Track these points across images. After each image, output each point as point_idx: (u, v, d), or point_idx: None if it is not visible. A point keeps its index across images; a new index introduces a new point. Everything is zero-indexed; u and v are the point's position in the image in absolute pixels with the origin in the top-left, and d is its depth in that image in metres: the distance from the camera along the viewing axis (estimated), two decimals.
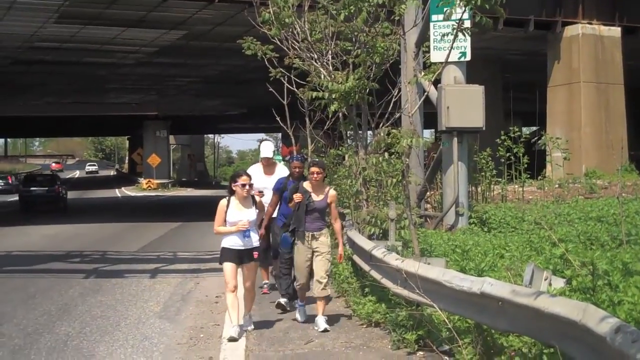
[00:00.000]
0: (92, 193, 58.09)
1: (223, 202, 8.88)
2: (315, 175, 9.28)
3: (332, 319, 9.31)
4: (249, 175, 9.00)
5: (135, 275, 14.15)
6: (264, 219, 10.61)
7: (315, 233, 9.29)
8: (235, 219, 8.74)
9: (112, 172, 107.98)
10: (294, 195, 9.29)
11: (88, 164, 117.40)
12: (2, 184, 64.41)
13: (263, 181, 11.23)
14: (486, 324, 6.58)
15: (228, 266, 8.79)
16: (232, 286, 8.78)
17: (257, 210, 9.09)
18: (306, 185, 9.41)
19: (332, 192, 9.46)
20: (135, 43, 31.76)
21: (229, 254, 8.81)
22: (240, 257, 8.82)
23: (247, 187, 8.82)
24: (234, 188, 8.85)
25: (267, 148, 11.78)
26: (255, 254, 8.90)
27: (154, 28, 28.91)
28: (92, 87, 46.74)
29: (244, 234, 8.74)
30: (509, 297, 5.97)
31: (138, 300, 11.63)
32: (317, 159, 10.48)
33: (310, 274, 9.38)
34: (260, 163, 11.87)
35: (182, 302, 11.46)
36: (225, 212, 8.79)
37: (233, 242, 8.81)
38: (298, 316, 9.67)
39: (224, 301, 10.80)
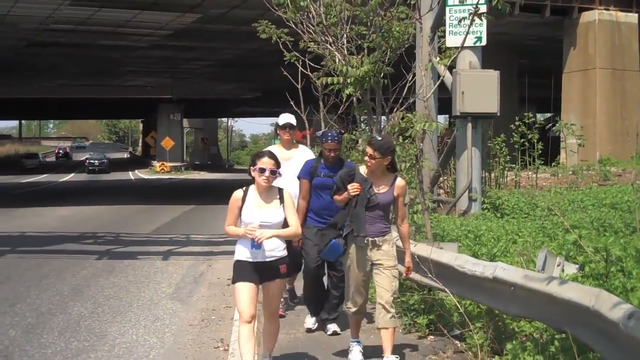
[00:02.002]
0: (106, 176, 58.29)
1: (237, 193, 6.43)
2: (371, 159, 6.74)
3: None
4: (274, 158, 6.43)
5: (148, 257, 14.20)
6: (300, 211, 8.01)
7: (377, 239, 6.77)
8: (252, 219, 6.29)
9: (125, 155, 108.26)
10: (349, 186, 6.66)
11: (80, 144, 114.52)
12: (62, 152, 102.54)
13: (281, 167, 9.23)
14: (498, 309, 6.57)
15: (242, 288, 6.30)
16: (248, 316, 6.25)
17: (285, 208, 6.45)
18: (363, 170, 6.85)
19: (400, 182, 6.91)
20: (150, 26, 31.75)
21: (243, 270, 6.34)
22: (259, 273, 6.33)
23: (267, 173, 6.32)
24: (252, 174, 6.41)
25: (289, 116, 9.18)
26: (283, 268, 6.42)
27: (169, 11, 28.90)
28: (107, 69, 46.79)
29: (253, 244, 6.21)
30: (522, 282, 5.96)
31: (150, 282, 11.67)
32: (376, 136, 7.28)
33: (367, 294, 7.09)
34: (277, 145, 9.39)
35: (194, 284, 11.49)
36: (240, 208, 6.36)
37: (247, 253, 6.34)
38: (353, 358, 7.05)
39: None
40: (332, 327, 8.15)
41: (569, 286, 5.52)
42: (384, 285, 6.72)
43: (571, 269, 6.58)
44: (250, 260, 6.31)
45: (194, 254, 14.67)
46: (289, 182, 8.18)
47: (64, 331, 8.49)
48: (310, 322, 8.37)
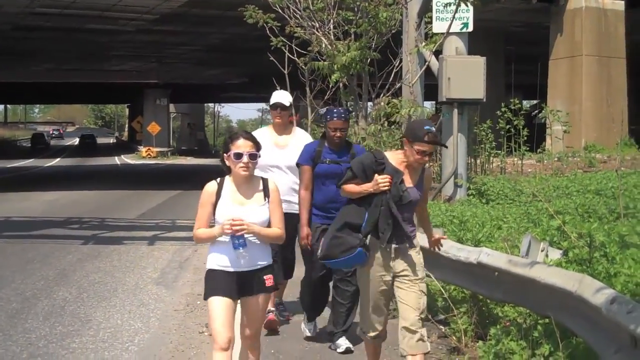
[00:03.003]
0: (91, 160, 58.08)
1: (210, 187, 5.21)
2: (424, 157, 5.48)
3: None
4: (252, 139, 5.20)
5: (133, 242, 14.18)
6: (302, 211, 7.07)
7: (404, 245, 5.55)
8: (231, 218, 5.03)
9: (111, 140, 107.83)
10: (380, 178, 5.36)
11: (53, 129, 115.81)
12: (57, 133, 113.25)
13: (272, 155, 7.48)
14: (482, 293, 6.61)
15: (217, 305, 5.10)
16: (224, 340, 5.05)
17: (268, 204, 5.21)
18: (392, 158, 5.55)
19: (429, 172, 5.83)
20: (136, 10, 31.57)
21: (218, 282, 5.15)
22: (239, 285, 5.15)
23: (246, 159, 5.12)
24: (227, 162, 5.20)
25: (281, 95, 7.86)
26: (269, 280, 5.22)
27: None
28: (93, 54, 46.52)
29: (235, 242, 5.04)
30: (506, 267, 6.00)
31: (136, 267, 11.66)
32: (428, 126, 5.54)
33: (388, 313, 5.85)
34: (268, 127, 8.01)
35: (179, 270, 11.49)
36: (214, 206, 5.17)
37: (225, 259, 5.15)
38: None
39: None
40: (344, 343, 7.06)
41: (553, 271, 5.56)
42: (410, 302, 5.46)
43: (555, 254, 6.62)
44: (229, 269, 5.10)
45: (180, 239, 14.65)
46: (283, 174, 7.49)
47: (49, 316, 8.47)
48: (309, 328, 7.53)
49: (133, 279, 10.71)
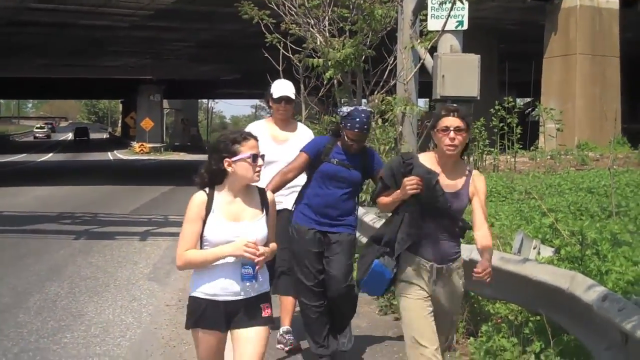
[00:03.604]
0: (84, 156, 57.92)
1: (199, 198, 4.31)
2: (459, 134, 4.62)
3: None
4: (256, 139, 4.36)
5: (125, 238, 14.15)
6: (272, 184, 6.08)
7: (444, 266, 4.73)
8: (226, 238, 4.22)
9: (105, 136, 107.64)
10: (406, 181, 4.59)
11: (36, 127, 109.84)
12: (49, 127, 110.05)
13: (270, 149, 6.28)
14: (473, 290, 6.61)
15: (204, 341, 4.39)
16: None
17: (267, 218, 4.36)
18: (425, 159, 4.76)
19: (478, 175, 4.89)
20: (131, 6, 31.49)
21: (204, 312, 4.30)
22: (228, 315, 4.28)
23: (261, 161, 4.29)
24: (229, 167, 4.23)
25: (286, 86, 7.00)
26: (266, 310, 4.33)
27: None
28: (87, 49, 46.40)
29: (246, 274, 4.20)
30: (498, 264, 6.00)
31: (128, 262, 11.65)
32: (453, 104, 5.38)
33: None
34: (266, 120, 7.25)
35: (171, 265, 11.45)
36: (203, 221, 4.26)
37: (217, 286, 4.26)
38: None
39: None
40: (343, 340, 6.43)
41: (545, 269, 5.57)
42: (439, 329, 4.72)
43: (547, 251, 6.63)
44: (219, 298, 4.22)
45: (173, 235, 14.59)
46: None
47: (41, 311, 8.47)
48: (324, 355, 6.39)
49: (125, 274, 10.69)
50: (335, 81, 11.96)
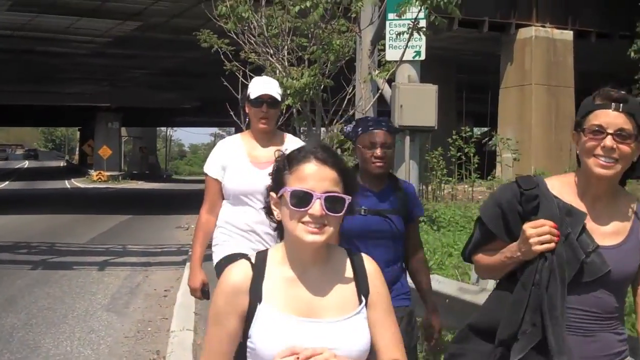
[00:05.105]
0: (41, 184, 57.30)
1: (236, 275, 2.42)
2: (627, 144, 2.71)
3: None
4: (339, 166, 2.43)
5: (83, 268, 14.01)
6: None
7: None
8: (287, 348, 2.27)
9: (62, 163, 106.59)
10: (528, 228, 2.68)
11: None
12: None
13: (250, 176, 4.70)
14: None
15: None
16: None
17: (367, 311, 2.45)
18: (556, 187, 2.87)
19: None
20: (90, 33, 31.39)
21: None
22: None
23: (317, 208, 2.33)
24: (275, 209, 2.46)
25: (269, 83, 5.05)
26: None
27: (109, 18, 28.62)
28: (45, 76, 46.09)
29: None
30: (456, 294, 6.07)
31: (86, 293, 11.53)
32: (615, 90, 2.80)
33: None
34: (242, 135, 5.10)
35: (130, 295, 11.39)
36: (245, 319, 2.40)
37: None
38: None
39: (173, 295, 10.81)
40: None
41: None
42: None
43: None
44: None
45: (131, 265, 14.52)
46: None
47: None
48: None
49: (83, 305, 10.58)
50: (294, 110, 12.01)
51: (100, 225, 22.95)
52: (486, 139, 39.22)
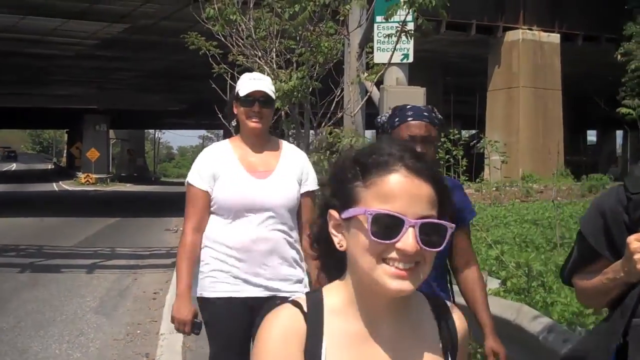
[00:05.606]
0: (29, 187, 57.09)
1: (281, 327, 1.63)
2: None
3: None
4: (413, 170, 1.62)
5: (72, 270, 13.97)
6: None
7: None
8: None
9: (49, 166, 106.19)
10: (633, 242, 2.13)
11: None
12: None
13: (246, 188, 4.05)
14: None
15: None
16: None
17: None
18: None
19: None
20: (77, 35, 31.33)
21: None
22: None
23: (410, 243, 1.57)
24: (335, 235, 1.67)
25: (261, 80, 4.28)
26: None
27: (97, 20, 28.58)
28: (32, 78, 45.95)
29: None
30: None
31: (74, 296, 11.49)
32: None
33: None
34: (231, 141, 4.32)
35: (119, 298, 11.36)
36: None
37: None
38: None
39: (162, 297, 10.79)
40: None
41: (491, 301, 5.64)
42: None
43: (494, 283, 6.72)
44: None
45: (119, 267, 14.49)
46: (262, 226, 4.03)
47: None
48: None
49: (72, 308, 10.55)
50: (283, 112, 12.02)
51: (89, 228, 22.87)
52: (474, 141, 39.32)
